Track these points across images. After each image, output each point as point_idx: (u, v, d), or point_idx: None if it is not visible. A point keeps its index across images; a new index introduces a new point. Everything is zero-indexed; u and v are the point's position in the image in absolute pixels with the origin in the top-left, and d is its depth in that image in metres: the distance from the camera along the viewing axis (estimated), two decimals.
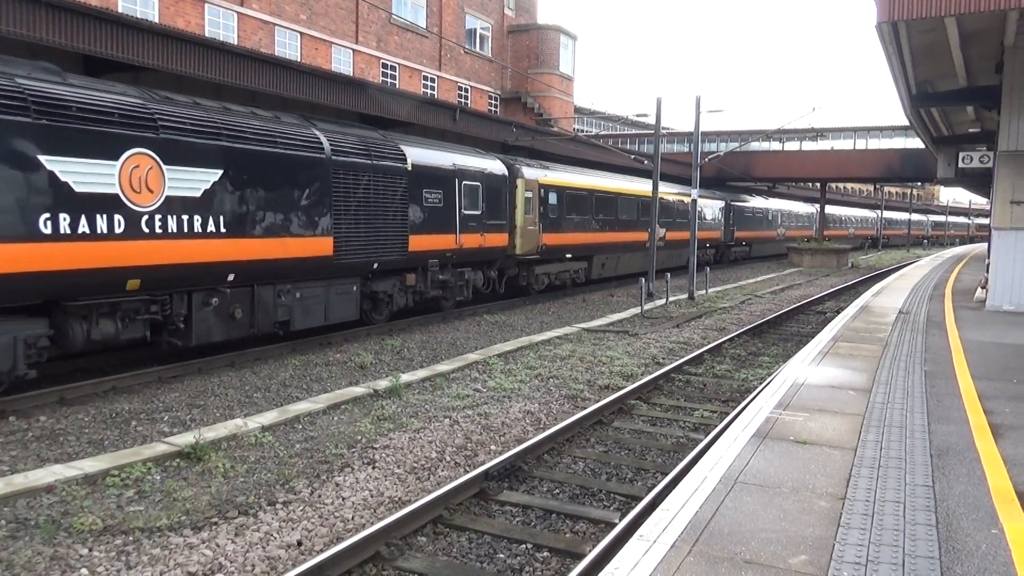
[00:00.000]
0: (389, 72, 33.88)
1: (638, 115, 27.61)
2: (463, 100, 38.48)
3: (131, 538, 5.84)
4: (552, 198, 21.60)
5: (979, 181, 28.59)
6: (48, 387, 9.80)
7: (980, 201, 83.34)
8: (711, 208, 36.86)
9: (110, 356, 11.73)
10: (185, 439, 7.84)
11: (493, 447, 8.40)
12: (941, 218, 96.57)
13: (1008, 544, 4.23)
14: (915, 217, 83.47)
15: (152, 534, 5.90)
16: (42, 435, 8.38)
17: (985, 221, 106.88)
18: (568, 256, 23.13)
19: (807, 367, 9.24)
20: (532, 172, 20.79)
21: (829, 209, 55.75)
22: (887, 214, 74.97)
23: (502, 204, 18.92)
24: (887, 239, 73.67)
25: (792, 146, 46.07)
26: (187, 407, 9.69)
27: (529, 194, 20.29)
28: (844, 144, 45.82)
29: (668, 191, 30.37)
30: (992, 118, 17.91)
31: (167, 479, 7.05)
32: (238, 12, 26.63)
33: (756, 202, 43.70)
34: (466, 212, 17.22)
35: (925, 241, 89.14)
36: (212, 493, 6.78)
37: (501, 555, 5.83)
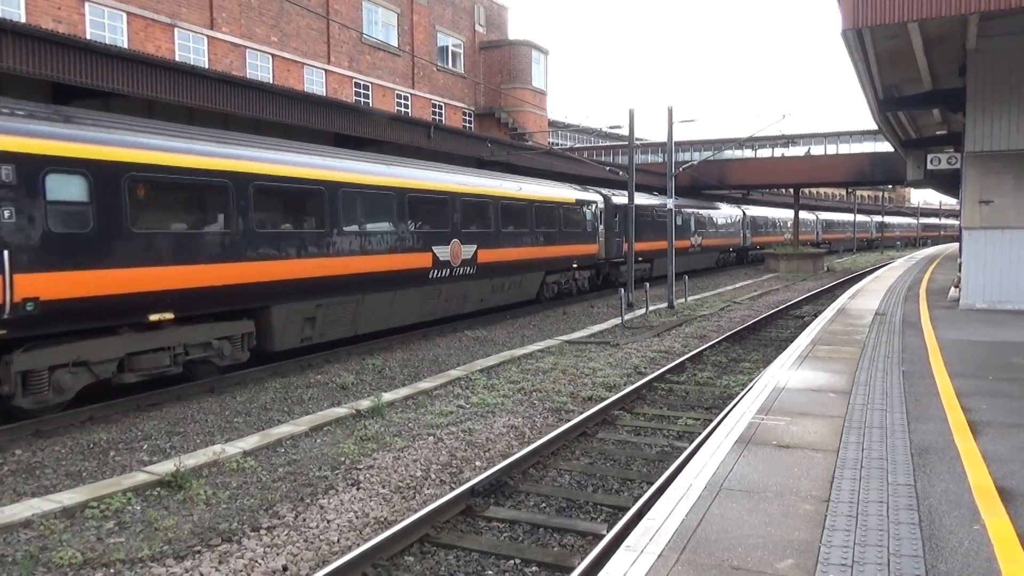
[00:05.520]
0: (362, 91, 33.89)
1: (612, 127, 27.69)
2: (437, 117, 38.57)
3: (112, 571, 5.73)
4: (64, 189, 9.62)
5: (948, 182, 29.13)
6: (23, 420, 9.62)
7: (950, 202, 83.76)
8: (580, 210, 24.90)
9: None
10: (165, 467, 7.72)
11: (478, 463, 8.36)
12: (894, 220, 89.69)
13: (990, 539, 4.27)
14: (859, 218, 76.49)
15: (134, 566, 5.80)
16: (18, 469, 8.22)
17: (930, 221, 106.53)
18: (154, 317, 10.67)
19: (787, 371, 9.30)
20: None
21: (759, 212, 50.19)
22: (832, 216, 69.01)
23: None
24: (829, 243, 64.26)
25: (764, 153, 46.63)
26: (167, 435, 9.56)
27: None
28: (816, 149, 46.46)
29: (487, 186, 19.51)
30: (958, 120, 18.25)
31: (148, 509, 6.94)
32: (208, 36, 26.54)
33: (659, 203, 32.52)
34: None
35: (898, 243, 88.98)
36: (194, 521, 6.68)
37: (489, 572, 5.79)
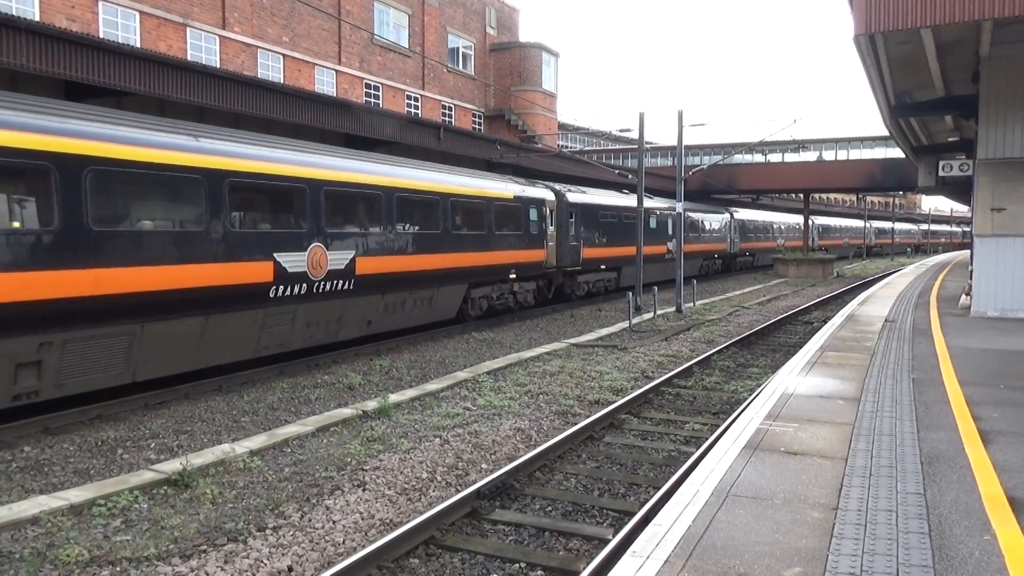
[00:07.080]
0: (372, 92, 33.96)
1: (621, 130, 27.59)
2: (447, 119, 38.62)
3: (118, 569, 5.74)
4: None
5: (959, 189, 28.96)
6: (32, 417, 9.66)
7: (960, 209, 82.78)
8: (521, 208, 20.64)
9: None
10: (172, 466, 7.74)
11: (484, 466, 8.34)
12: (890, 225, 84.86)
13: (1001, 550, 4.23)
14: (853, 224, 73.22)
15: (140, 564, 5.81)
16: (26, 466, 8.26)
17: (937, 227, 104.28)
18: None
19: (796, 377, 9.25)
20: None
21: (749, 215, 46.76)
22: (829, 221, 66.59)
23: None
24: (825, 249, 57.61)
25: (775, 158, 46.47)
26: (174, 433, 9.58)
27: None
28: (826, 155, 46.28)
29: (372, 173, 14.86)
30: (970, 127, 18.15)
31: (154, 507, 6.95)
32: (220, 35, 26.66)
33: (625, 202, 28.35)
34: None
35: (908, 250, 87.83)
36: (200, 520, 6.69)
37: (495, 575, 5.78)
